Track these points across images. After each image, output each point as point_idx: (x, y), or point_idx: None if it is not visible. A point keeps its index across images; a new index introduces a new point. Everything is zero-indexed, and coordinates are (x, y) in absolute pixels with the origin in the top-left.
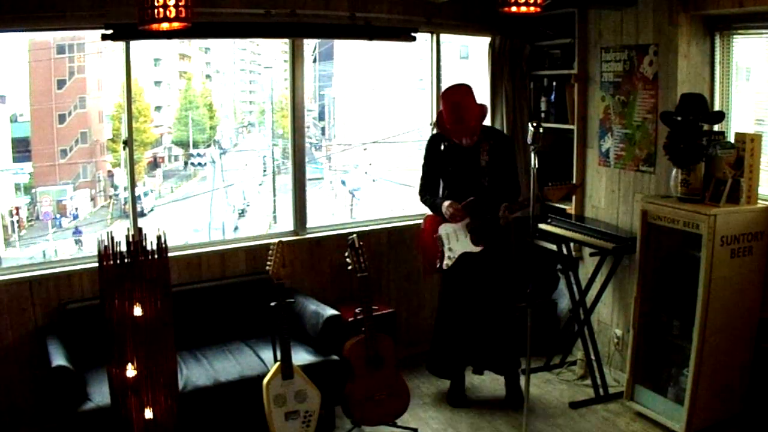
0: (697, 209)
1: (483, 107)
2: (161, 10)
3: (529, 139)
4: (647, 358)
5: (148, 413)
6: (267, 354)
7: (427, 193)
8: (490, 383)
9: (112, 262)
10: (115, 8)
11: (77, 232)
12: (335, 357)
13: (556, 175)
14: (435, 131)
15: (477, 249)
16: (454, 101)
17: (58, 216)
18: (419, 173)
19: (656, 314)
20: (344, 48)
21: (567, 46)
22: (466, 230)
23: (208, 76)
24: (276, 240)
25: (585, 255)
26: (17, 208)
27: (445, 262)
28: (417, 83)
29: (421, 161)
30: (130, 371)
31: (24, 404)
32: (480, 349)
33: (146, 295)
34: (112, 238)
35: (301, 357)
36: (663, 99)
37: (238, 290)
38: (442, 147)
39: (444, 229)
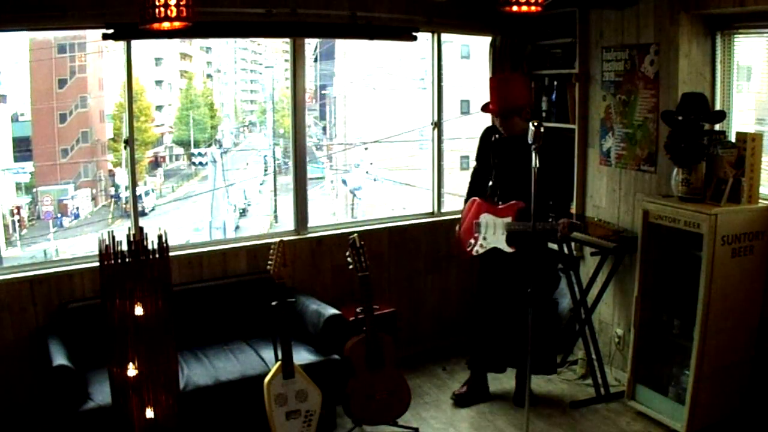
0: (698, 209)
1: (517, 97)
2: (162, 9)
3: (530, 139)
4: (648, 358)
5: (149, 413)
6: (268, 353)
7: (471, 195)
8: (491, 382)
9: (113, 262)
10: (116, 7)
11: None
12: (336, 356)
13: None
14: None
15: (509, 250)
16: (491, 84)
17: (59, 215)
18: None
19: (657, 313)
20: (345, 47)
21: (568, 46)
22: (504, 229)
23: (209, 76)
24: (277, 239)
25: (586, 254)
26: (18, 208)
27: (476, 249)
28: (418, 83)
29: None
30: (131, 371)
31: (25, 404)
32: (514, 345)
33: (147, 295)
34: (113, 238)
35: (302, 356)
36: (664, 98)
37: (239, 290)
38: (493, 138)
39: (485, 218)
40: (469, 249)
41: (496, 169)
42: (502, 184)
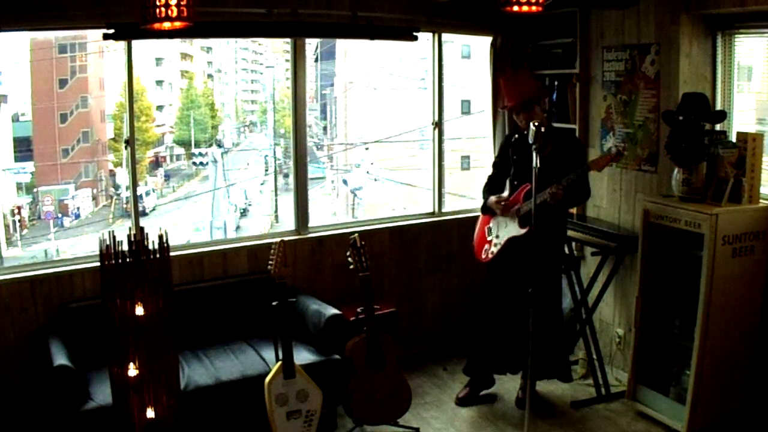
0: (699, 209)
1: (527, 89)
2: (163, 9)
3: (531, 139)
4: (649, 358)
5: (150, 413)
6: (269, 353)
7: (488, 191)
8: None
9: (113, 262)
10: (117, 7)
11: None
12: (337, 356)
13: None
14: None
15: (522, 231)
16: (502, 83)
17: (59, 215)
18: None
19: (658, 313)
20: (346, 47)
21: (569, 46)
22: (515, 214)
23: (209, 76)
24: (278, 239)
25: (587, 254)
26: (19, 208)
27: (491, 251)
28: (419, 83)
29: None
30: (132, 371)
31: (25, 404)
32: (520, 350)
33: (148, 295)
34: (114, 238)
35: (302, 356)
36: (665, 98)
37: (239, 289)
38: (513, 139)
39: (495, 220)
40: (484, 257)
41: (515, 164)
42: (520, 178)
